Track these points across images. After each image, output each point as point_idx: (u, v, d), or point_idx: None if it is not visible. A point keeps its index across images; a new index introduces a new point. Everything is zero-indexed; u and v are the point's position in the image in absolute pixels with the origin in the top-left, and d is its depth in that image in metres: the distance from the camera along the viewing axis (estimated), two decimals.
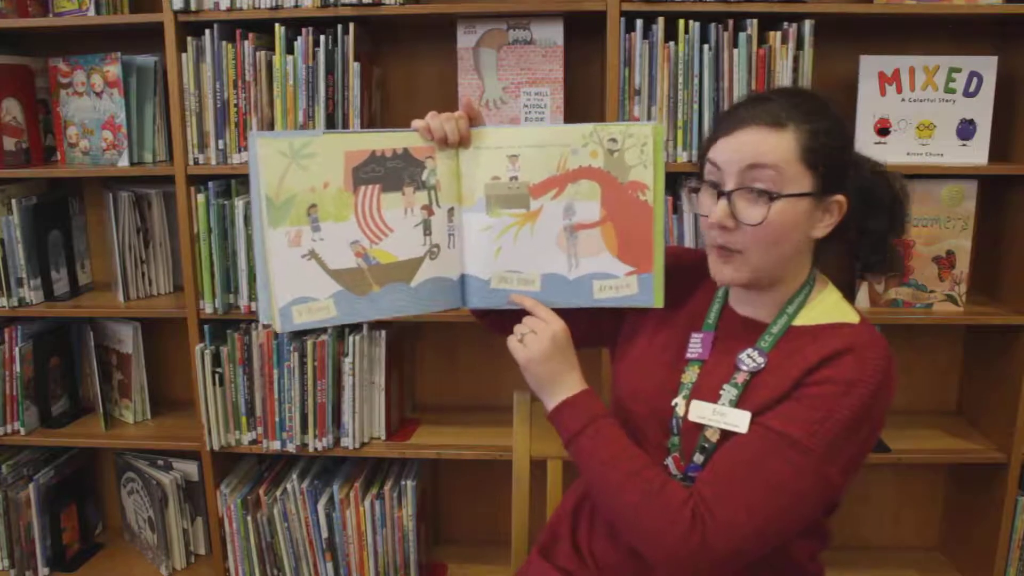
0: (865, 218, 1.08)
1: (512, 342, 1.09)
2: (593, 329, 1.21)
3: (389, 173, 1.09)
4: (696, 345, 1.10)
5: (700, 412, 1.04)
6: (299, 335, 1.87)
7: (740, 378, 1.03)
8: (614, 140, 1.10)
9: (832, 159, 1.01)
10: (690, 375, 1.08)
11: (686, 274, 1.17)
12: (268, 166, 1.03)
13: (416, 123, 1.10)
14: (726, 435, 1.01)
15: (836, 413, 0.96)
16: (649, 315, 1.16)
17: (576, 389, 1.07)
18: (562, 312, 1.11)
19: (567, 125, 1.11)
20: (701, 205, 1.07)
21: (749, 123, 1.01)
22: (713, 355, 1.09)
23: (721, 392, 1.03)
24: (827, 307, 1.06)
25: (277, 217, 1.04)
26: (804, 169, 1.00)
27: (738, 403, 1.02)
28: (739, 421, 1.00)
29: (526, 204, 1.12)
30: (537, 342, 1.07)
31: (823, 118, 1.02)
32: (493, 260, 1.14)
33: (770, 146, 0.99)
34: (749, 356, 1.04)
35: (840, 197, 1.03)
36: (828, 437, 0.95)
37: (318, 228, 1.06)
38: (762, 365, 1.03)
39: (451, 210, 1.13)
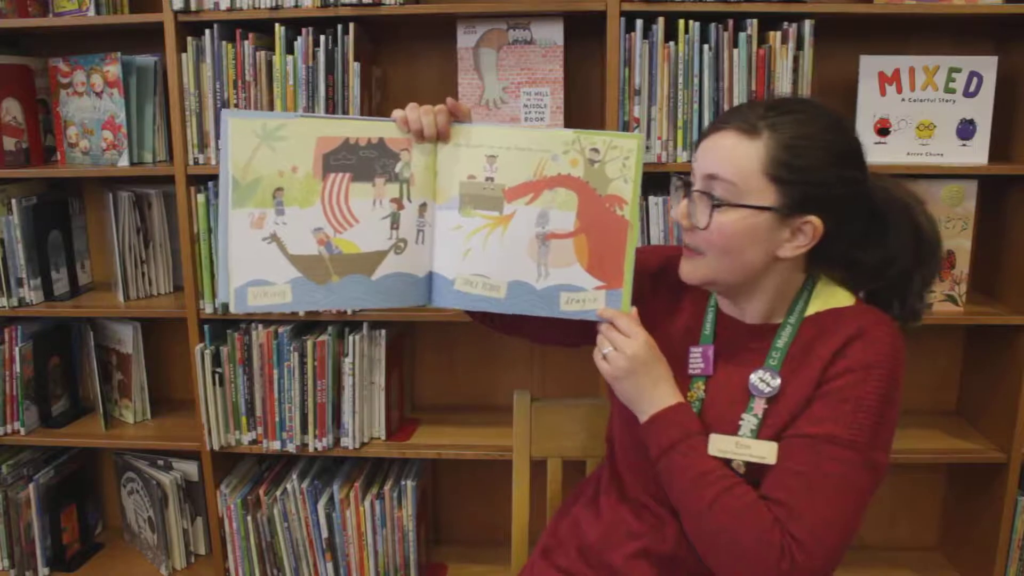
0: (861, 249, 1.05)
1: (596, 358, 1.07)
2: (587, 330, 1.15)
3: (361, 162, 1.07)
4: (697, 360, 1.09)
5: (721, 446, 1.01)
6: (299, 334, 1.87)
7: (758, 407, 1.01)
8: (596, 150, 1.07)
9: (805, 176, 0.96)
10: (696, 393, 1.07)
11: (674, 281, 1.15)
12: (237, 145, 1.02)
13: (396, 114, 1.08)
14: (752, 464, 1.00)
15: (865, 400, 0.96)
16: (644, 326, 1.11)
17: (664, 404, 1.03)
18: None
19: (551, 130, 1.08)
20: (673, 200, 1.07)
21: (725, 127, 1.00)
22: (718, 370, 1.08)
23: (740, 422, 1.02)
24: (822, 299, 1.06)
25: (241, 197, 1.03)
26: (767, 183, 0.97)
27: (760, 428, 1.01)
28: (766, 453, 0.99)
29: (499, 207, 1.09)
30: (618, 359, 1.04)
31: (808, 132, 0.97)
32: (461, 261, 1.11)
33: (734, 155, 0.98)
34: (763, 380, 1.02)
35: (813, 219, 0.98)
36: (866, 424, 0.96)
37: (282, 212, 1.05)
38: (777, 389, 1.01)
39: (423, 205, 1.11)
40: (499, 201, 1.09)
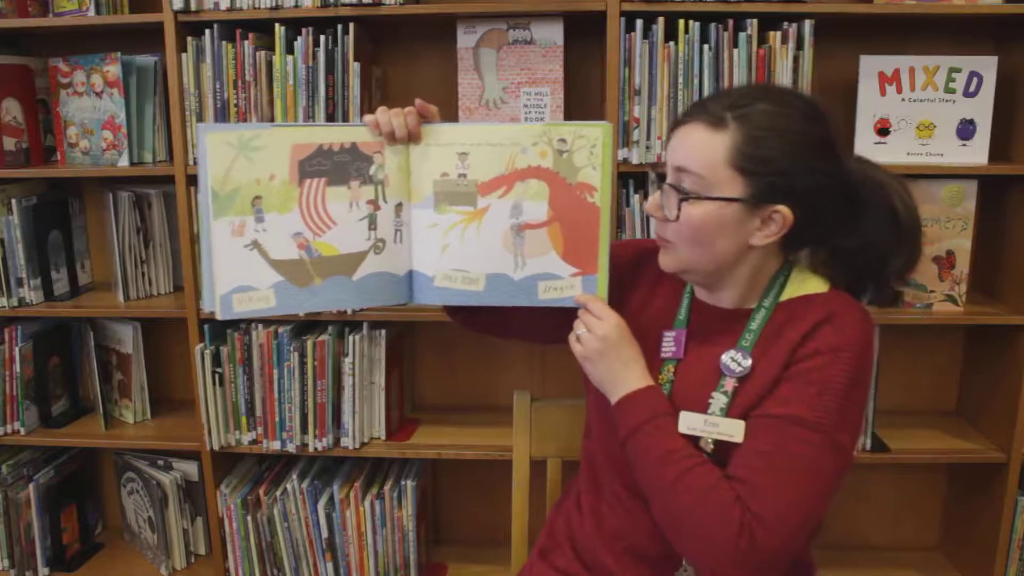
0: (835, 236, 1.05)
1: (571, 339, 1.09)
2: (568, 324, 1.15)
3: (336, 167, 1.10)
4: (669, 344, 1.10)
5: (691, 423, 1.01)
6: (299, 334, 1.87)
7: (728, 385, 1.02)
8: (564, 140, 1.10)
9: (771, 167, 0.97)
10: (666, 375, 1.08)
11: (651, 271, 1.17)
12: (215, 158, 1.05)
13: (367, 118, 1.10)
14: (721, 443, 1.00)
15: (832, 382, 0.96)
16: (621, 313, 1.11)
17: (635, 386, 1.04)
18: (537, 308, 1.12)
19: (518, 124, 1.10)
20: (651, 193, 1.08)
21: (692, 119, 1.01)
22: (690, 353, 1.09)
23: (710, 401, 1.02)
24: (796, 285, 1.06)
25: (221, 208, 1.06)
26: (734, 174, 0.98)
27: (730, 407, 1.01)
28: (733, 431, 0.99)
29: (473, 202, 1.12)
30: (590, 341, 1.06)
31: (773, 123, 0.97)
32: (439, 257, 1.14)
33: (701, 147, 0.99)
34: (734, 360, 1.03)
35: (782, 208, 0.98)
36: (832, 407, 0.96)
37: (262, 219, 1.08)
38: (748, 369, 1.02)
39: (399, 205, 1.13)
40: (473, 196, 1.12)
